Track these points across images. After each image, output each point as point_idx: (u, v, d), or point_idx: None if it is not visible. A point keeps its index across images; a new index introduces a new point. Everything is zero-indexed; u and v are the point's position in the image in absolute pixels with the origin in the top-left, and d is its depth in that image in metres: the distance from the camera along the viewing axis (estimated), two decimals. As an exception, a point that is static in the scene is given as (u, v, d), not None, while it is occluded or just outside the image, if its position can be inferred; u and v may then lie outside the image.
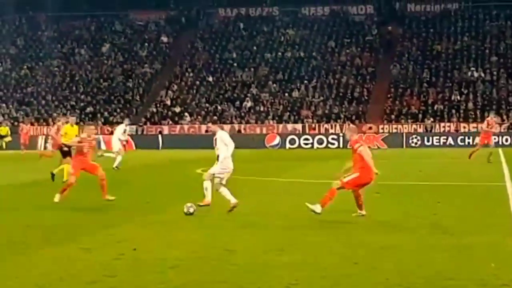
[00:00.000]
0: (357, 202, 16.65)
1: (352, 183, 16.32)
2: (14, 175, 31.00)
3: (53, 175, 25.80)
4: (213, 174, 17.53)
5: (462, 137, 59.93)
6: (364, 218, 16.41)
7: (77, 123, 28.66)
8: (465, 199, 20.49)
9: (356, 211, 16.63)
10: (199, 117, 66.44)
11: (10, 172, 33.33)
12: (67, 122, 27.67)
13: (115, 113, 68.32)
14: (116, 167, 32.77)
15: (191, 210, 16.88)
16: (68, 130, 26.84)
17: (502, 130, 60.20)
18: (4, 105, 71.78)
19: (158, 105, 69.44)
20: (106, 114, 68.38)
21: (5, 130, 59.00)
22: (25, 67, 76.63)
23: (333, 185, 16.31)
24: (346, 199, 16.71)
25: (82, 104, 70.42)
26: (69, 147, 24.79)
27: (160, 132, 63.94)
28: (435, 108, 65.23)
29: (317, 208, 15.99)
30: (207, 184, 17.55)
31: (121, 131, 35.53)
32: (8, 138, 57.65)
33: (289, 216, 16.26)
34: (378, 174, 16.74)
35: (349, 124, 16.94)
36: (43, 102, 71.60)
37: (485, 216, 16.93)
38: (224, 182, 17.47)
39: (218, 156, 17.68)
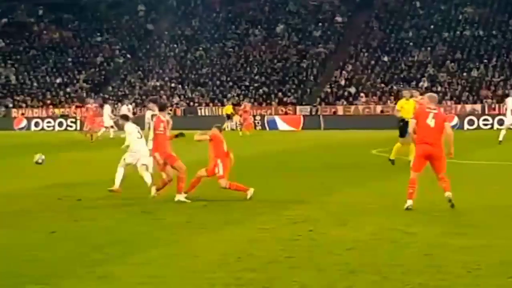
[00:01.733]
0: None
1: None
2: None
3: (392, 160, 24.28)
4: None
5: None
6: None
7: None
8: None
9: None
10: (374, 97, 65.91)
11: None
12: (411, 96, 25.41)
13: (289, 94, 68.76)
14: None
15: (40, 160, 18.36)
16: (404, 104, 24.99)
17: None
18: (180, 86, 73.67)
19: (332, 85, 69.34)
20: (280, 94, 68.88)
21: (229, 108, 58.08)
22: (200, 48, 78.25)
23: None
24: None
25: (256, 84, 71.22)
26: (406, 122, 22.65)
27: (322, 114, 63.43)
28: None
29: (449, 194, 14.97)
30: (120, 171, 17.51)
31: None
32: (236, 117, 55.44)
33: (469, 199, 15.74)
34: None
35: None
36: (218, 82, 72.95)
37: None
38: (149, 169, 17.65)
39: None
